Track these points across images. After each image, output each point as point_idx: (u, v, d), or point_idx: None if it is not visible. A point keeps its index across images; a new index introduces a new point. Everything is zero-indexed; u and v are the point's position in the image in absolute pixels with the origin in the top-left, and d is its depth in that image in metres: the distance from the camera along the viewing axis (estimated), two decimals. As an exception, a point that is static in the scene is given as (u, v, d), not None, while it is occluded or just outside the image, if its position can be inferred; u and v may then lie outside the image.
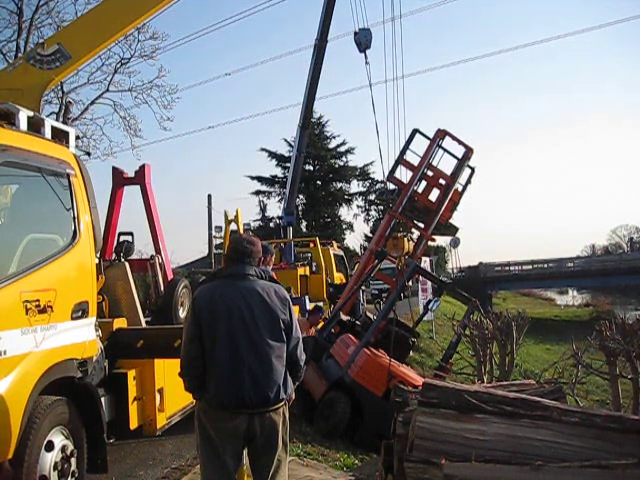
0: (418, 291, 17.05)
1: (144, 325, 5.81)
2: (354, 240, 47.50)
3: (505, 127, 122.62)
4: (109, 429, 4.36)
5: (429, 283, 15.55)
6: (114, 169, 7.05)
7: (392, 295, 8.71)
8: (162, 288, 6.56)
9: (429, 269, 16.81)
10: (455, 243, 25.64)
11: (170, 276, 6.88)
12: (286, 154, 36.87)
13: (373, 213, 39.95)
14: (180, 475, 4.94)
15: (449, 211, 11.51)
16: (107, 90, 16.87)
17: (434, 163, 11.49)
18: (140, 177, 6.88)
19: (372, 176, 39.18)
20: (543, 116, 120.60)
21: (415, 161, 11.45)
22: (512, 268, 46.38)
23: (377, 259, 9.58)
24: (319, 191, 38.88)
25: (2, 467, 3.31)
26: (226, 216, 10.94)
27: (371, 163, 38.80)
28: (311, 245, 15.05)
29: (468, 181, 11.54)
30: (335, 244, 17.63)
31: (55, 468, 3.66)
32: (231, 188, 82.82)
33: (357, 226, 48.47)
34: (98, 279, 4.64)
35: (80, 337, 4.16)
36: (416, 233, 12.57)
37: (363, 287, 11.79)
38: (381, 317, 8.10)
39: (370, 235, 34.48)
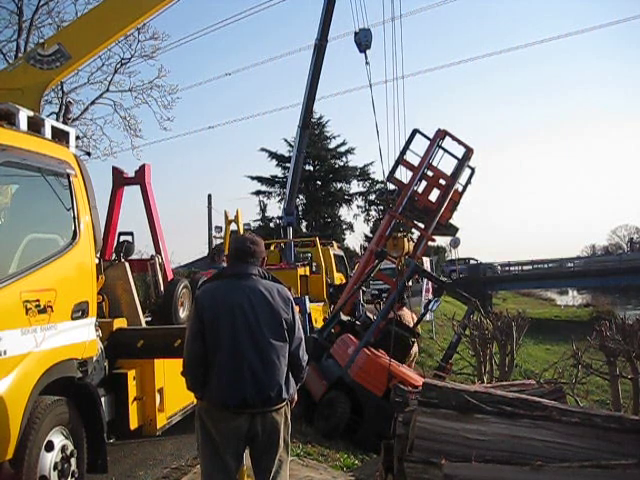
0: (422, 290, 17.04)
1: (144, 325, 5.80)
2: (354, 240, 47.52)
3: (505, 127, 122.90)
4: (109, 429, 4.36)
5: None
6: (114, 169, 7.05)
7: (392, 295, 8.71)
8: (162, 288, 6.55)
9: (429, 269, 16.81)
10: (455, 243, 25.68)
11: (170, 276, 6.88)
12: (286, 154, 36.79)
13: (373, 213, 39.82)
14: (180, 475, 4.94)
15: (449, 211, 11.51)
16: (107, 90, 16.88)
17: (434, 163, 11.49)
18: (140, 177, 6.87)
19: (372, 176, 39.03)
20: (543, 117, 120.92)
21: (415, 161, 11.45)
22: (512, 268, 46.32)
23: (377, 259, 9.58)
24: (319, 191, 38.81)
25: (2, 467, 3.31)
26: (226, 216, 10.94)
27: (371, 163, 38.69)
28: (311, 245, 15.03)
29: (468, 181, 11.54)
30: (335, 244, 17.57)
31: (55, 468, 3.66)
32: (231, 188, 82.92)
33: (357, 226, 48.37)
34: (98, 279, 4.65)
35: (80, 337, 4.16)
36: (416, 233, 12.57)
37: (363, 287, 11.77)
38: (381, 317, 8.10)
39: (370, 235, 34.39)
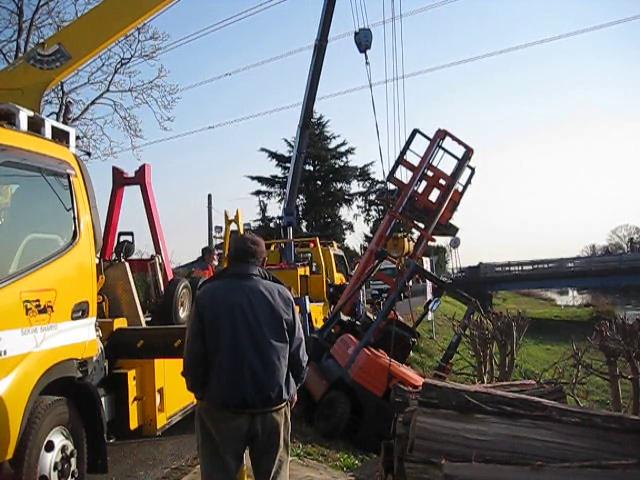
0: (425, 291, 17.06)
1: (144, 325, 5.80)
2: (354, 240, 47.51)
3: (505, 127, 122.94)
4: (109, 429, 4.36)
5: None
6: (114, 169, 7.04)
7: (392, 295, 8.71)
8: (162, 288, 6.55)
9: (429, 269, 16.81)
10: (455, 243, 25.65)
11: (170, 276, 6.87)
12: (286, 154, 36.81)
13: (373, 213, 39.85)
14: (180, 475, 4.94)
15: (449, 211, 11.49)
16: (107, 90, 16.83)
17: (434, 163, 11.47)
18: (140, 177, 6.86)
19: (372, 176, 39.10)
20: (543, 117, 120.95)
21: (415, 161, 11.43)
22: (512, 268, 46.31)
23: (377, 259, 9.58)
24: (319, 191, 38.84)
25: (2, 467, 3.31)
26: (226, 216, 10.91)
27: (371, 163, 38.76)
28: (311, 245, 14.99)
29: (468, 181, 11.52)
30: (335, 244, 17.56)
31: (55, 468, 3.66)
32: (231, 188, 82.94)
33: (357, 226, 48.37)
34: (98, 279, 4.64)
35: (80, 337, 4.15)
36: (416, 233, 12.57)
37: (363, 287, 11.78)
38: (381, 317, 8.10)
39: (370, 235, 34.41)
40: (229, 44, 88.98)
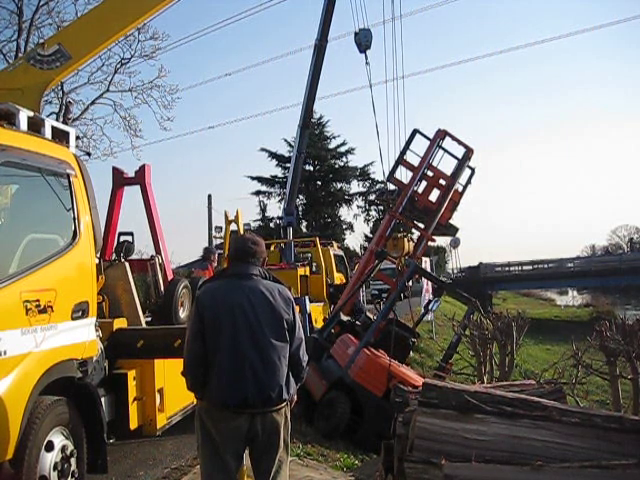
0: (422, 290, 17.04)
1: (144, 325, 5.80)
2: (354, 240, 47.56)
3: (505, 127, 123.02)
4: (109, 429, 4.36)
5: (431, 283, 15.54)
6: (114, 169, 7.04)
7: (392, 295, 8.71)
8: (162, 288, 6.55)
9: (429, 269, 16.80)
10: (455, 243, 25.62)
11: (170, 276, 6.87)
12: (286, 154, 36.80)
13: (373, 213, 39.79)
14: (180, 475, 4.94)
15: (449, 211, 11.48)
16: (107, 90, 16.84)
17: (434, 163, 11.47)
18: (140, 177, 6.86)
19: (372, 176, 39.08)
20: (543, 117, 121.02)
21: (415, 161, 11.43)
22: (512, 268, 46.33)
23: (377, 259, 9.58)
24: (319, 191, 38.83)
25: (2, 467, 3.31)
26: (226, 216, 10.90)
27: (371, 163, 38.72)
28: (311, 245, 15.01)
29: (468, 181, 11.52)
30: (335, 244, 17.55)
31: (55, 468, 3.66)
32: (231, 188, 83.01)
33: (357, 226, 48.43)
34: (98, 279, 4.64)
35: (80, 337, 4.15)
36: (416, 233, 12.56)
37: (363, 287, 11.77)
38: (381, 317, 8.10)
39: (370, 235, 34.39)
40: (229, 44, 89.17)
